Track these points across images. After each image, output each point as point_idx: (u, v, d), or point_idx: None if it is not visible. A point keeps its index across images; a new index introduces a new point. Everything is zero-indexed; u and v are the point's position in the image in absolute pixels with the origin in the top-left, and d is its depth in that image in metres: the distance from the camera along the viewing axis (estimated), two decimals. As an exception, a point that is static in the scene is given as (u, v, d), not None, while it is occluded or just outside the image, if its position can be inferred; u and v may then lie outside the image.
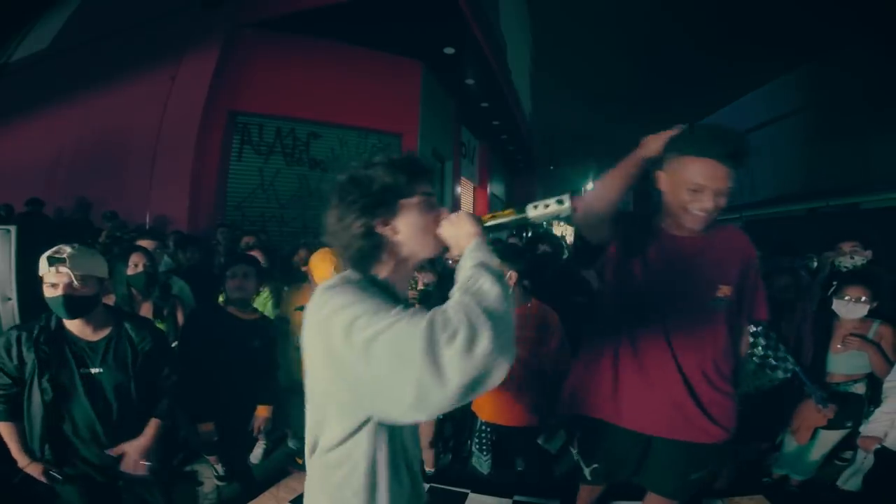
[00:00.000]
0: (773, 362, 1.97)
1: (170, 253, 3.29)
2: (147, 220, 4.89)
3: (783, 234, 3.69)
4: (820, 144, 9.12)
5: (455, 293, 0.70)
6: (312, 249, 2.89)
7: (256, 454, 2.64)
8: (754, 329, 2.01)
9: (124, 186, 5.15)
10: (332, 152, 5.93)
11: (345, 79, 5.77)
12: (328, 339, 0.71)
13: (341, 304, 0.72)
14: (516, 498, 2.42)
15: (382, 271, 0.88)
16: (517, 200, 16.33)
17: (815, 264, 3.24)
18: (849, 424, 2.27)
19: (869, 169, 7.73)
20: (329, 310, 0.72)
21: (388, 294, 0.83)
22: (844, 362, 2.28)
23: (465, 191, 10.05)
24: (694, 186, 1.24)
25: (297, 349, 0.88)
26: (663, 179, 1.33)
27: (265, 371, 2.18)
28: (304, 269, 2.25)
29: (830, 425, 2.27)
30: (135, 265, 2.15)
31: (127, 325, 1.57)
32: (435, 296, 2.58)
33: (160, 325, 2.20)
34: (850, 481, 2.28)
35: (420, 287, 2.74)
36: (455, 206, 8.63)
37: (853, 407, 2.25)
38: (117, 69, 5.34)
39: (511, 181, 16.36)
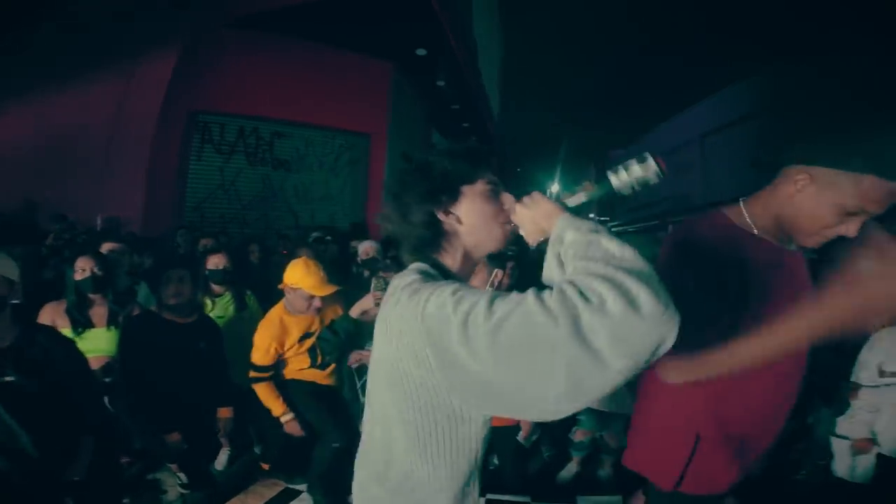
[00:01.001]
0: None
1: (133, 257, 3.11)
2: (98, 223, 4.61)
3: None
4: (770, 149, 9.67)
5: (572, 267, 0.58)
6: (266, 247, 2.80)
7: (221, 460, 2.55)
8: None
9: (74, 187, 4.83)
10: (297, 152, 5.79)
11: (312, 78, 5.65)
12: (434, 339, 0.60)
13: (442, 300, 0.60)
14: (489, 496, 2.41)
15: (447, 262, 0.83)
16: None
17: None
18: (801, 416, 2.40)
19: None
20: (426, 308, 0.61)
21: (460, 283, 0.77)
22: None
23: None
24: (852, 209, 0.90)
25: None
26: (806, 188, 0.94)
27: (217, 372, 2.11)
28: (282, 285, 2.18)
29: None
30: (82, 270, 2.03)
31: (36, 332, 1.46)
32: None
33: (114, 332, 2.07)
34: (858, 474, 2.17)
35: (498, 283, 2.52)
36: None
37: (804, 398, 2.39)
38: (70, 67, 5.02)
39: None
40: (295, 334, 2.18)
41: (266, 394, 2.10)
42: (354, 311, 2.21)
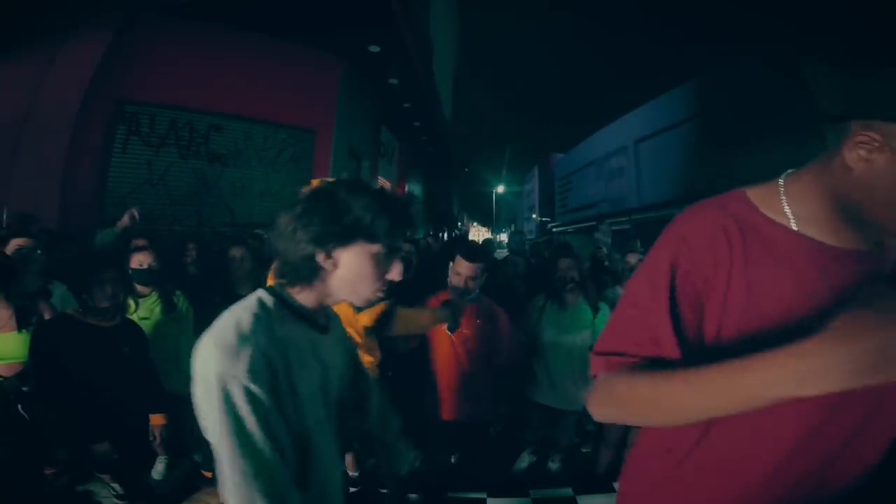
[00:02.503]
0: None
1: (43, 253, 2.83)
2: (3, 218, 4.16)
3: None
4: (696, 155, 10.49)
5: None
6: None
7: (158, 469, 2.43)
8: None
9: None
10: (235, 146, 5.53)
11: (255, 70, 5.42)
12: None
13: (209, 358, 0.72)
14: (450, 495, 2.45)
15: (302, 296, 0.85)
16: (434, 201, 16.58)
17: None
18: None
19: (732, 178, 9.04)
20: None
21: (300, 318, 0.83)
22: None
23: (382, 191, 9.95)
24: None
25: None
26: (874, 154, 0.59)
27: (144, 378, 1.99)
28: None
29: None
30: None
31: None
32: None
33: (26, 335, 1.89)
34: None
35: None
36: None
37: None
38: None
39: (428, 182, 16.56)
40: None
41: None
42: None
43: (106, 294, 1.84)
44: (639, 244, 3.87)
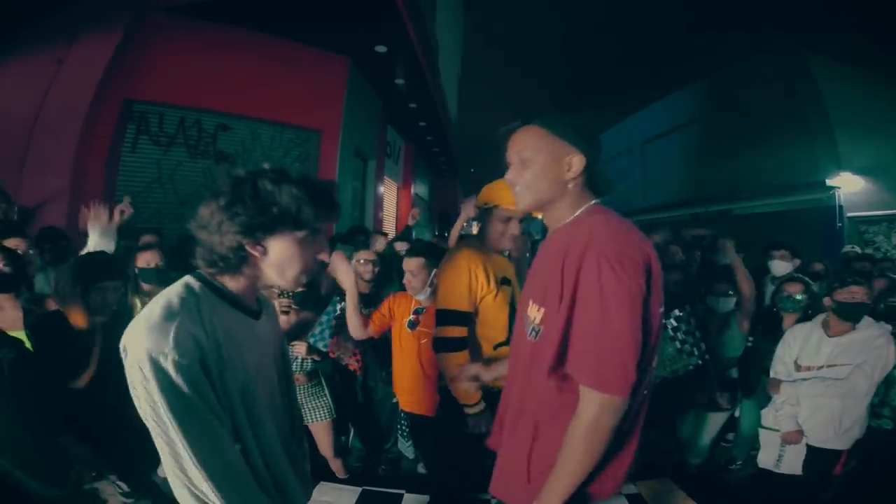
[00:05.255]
0: (689, 348, 2.19)
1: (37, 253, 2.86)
2: (15, 213, 4.21)
3: (673, 236, 4.14)
4: (702, 156, 10.40)
5: None
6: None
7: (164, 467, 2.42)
8: (678, 314, 2.22)
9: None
10: (242, 146, 5.57)
11: (262, 70, 5.44)
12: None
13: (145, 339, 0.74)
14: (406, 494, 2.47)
15: (233, 283, 0.87)
16: (440, 202, 16.58)
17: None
18: (727, 407, 2.60)
19: (738, 179, 8.98)
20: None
21: (232, 304, 0.85)
22: (725, 346, 2.61)
23: (388, 191, 9.97)
24: None
25: None
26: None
27: None
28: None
29: (715, 408, 2.59)
30: None
31: None
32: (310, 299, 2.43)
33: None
34: (784, 466, 2.24)
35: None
36: (378, 207, 8.53)
37: (731, 391, 2.59)
38: None
39: (434, 182, 16.55)
40: (492, 274, 1.77)
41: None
42: None
43: (106, 301, 1.84)
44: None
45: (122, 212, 2.72)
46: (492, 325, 1.79)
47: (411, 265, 2.07)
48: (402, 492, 2.48)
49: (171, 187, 5.10)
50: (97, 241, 2.41)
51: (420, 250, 2.11)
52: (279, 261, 0.85)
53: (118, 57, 4.58)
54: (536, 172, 1.03)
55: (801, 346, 2.12)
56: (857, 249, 4.83)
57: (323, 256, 0.91)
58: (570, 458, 0.90)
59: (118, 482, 2.15)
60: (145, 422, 0.78)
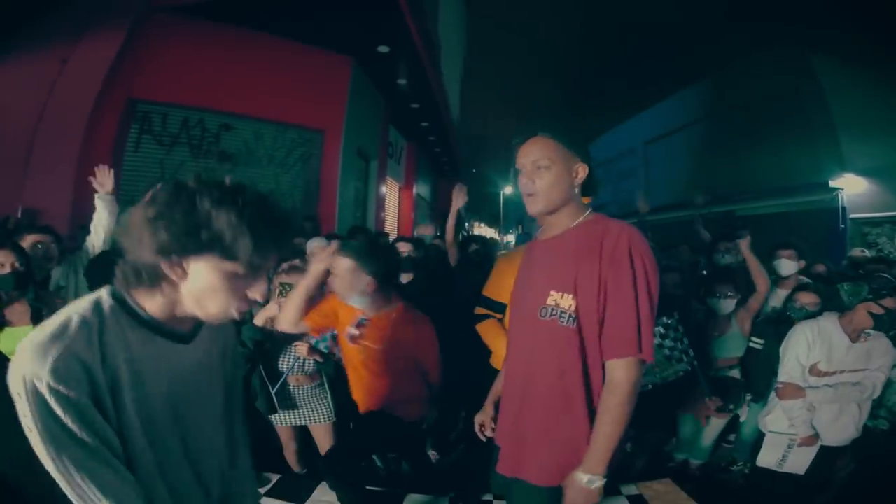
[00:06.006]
0: (679, 354, 2.18)
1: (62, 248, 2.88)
2: (18, 214, 4.23)
3: (676, 236, 4.14)
4: (704, 156, 10.38)
5: None
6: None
7: None
8: (665, 321, 2.19)
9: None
10: (245, 146, 5.58)
11: (265, 70, 5.46)
12: None
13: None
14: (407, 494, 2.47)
15: (150, 303, 0.76)
16: (442, 202, 16.58)
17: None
18: (731, 407, 2.59)
19: (740, 179, 8.96)
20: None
21: (146, 327, 0.75)
22: (723, 347, 2.61)
23: (390, 191, 9.98)
24: None
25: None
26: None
27: None
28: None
29: (718, 410, 2.58)
30: (0, 265, 1.86)
31: None
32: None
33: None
34: (787, 465, 2.22)
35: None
36: (380, 207, 8.54)
37: (733, 392, 2.57)
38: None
39: (436, 182, 16.55)
40: None
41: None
42: (259, 320, 2.14)
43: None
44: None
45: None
46: None
47: (337, 266, 1.75)
48: (403, 492, 2.48)
49: (174, 187, 5.11)
50: (103, 215, 2.50)
51: (353, 249, 1.78)
52: (198, 289, 0.74)
53: (122, 56, 4.61)
54: (551, 180, 1.15)
55: (823, 350, 2.03)
56: (866, 253, 4.80)
57: (256, 295, 0.78)
58: (614, 423, 1.06)
59: None
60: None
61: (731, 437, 2.97)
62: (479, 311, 2.08)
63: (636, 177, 13.38)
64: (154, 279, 0.73)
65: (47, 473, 0.69)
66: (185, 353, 0.81)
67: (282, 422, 2.34)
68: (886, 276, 2.41)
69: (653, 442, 2.80)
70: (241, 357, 1.86)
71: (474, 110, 15.83)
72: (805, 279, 2.83)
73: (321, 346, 2.29)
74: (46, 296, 2.11)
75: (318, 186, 6.09)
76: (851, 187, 7.20)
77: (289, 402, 2.32)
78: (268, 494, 2.39)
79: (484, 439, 1.44)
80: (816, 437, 2.09)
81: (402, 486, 2.52)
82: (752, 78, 8.88)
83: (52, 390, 0.63)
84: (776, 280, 2.78)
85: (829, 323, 2.07)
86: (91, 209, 2.62)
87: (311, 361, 2.33)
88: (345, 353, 2.00)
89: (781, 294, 2.71)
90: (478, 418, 1.47)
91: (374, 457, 2.58)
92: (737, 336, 2.58)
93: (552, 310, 1.14)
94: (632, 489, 2.57)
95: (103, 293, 0.75)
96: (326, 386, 2.42)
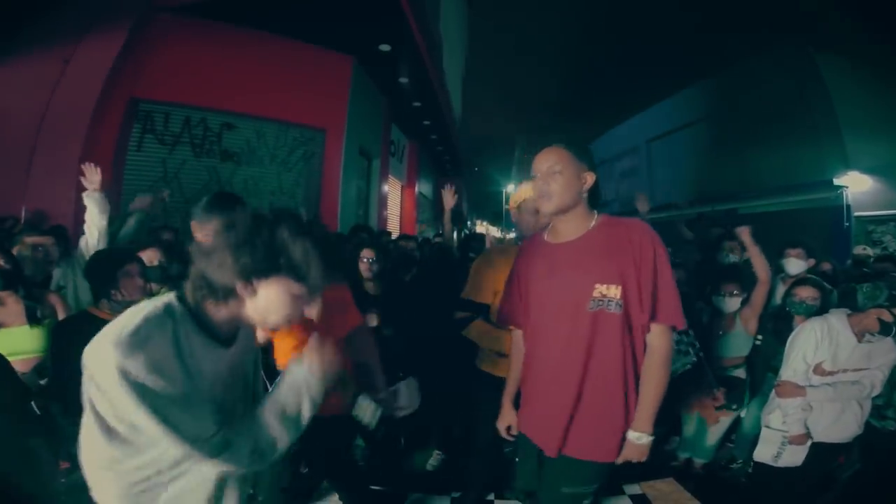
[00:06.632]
0: (685, 347, 2.16)
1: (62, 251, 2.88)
2: (22, 215, 4.25)
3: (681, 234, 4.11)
4: (708, 154, 10.33)
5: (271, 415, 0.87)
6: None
7: None
8: None
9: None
10: (247, 145, 5.58)
11: (266, 69, 5.46)
12: None
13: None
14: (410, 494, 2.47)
15: (215, 314, 0.86)
16: (444, 201, 16.56)
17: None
18: (734, 407, 2.57)
19: (744, 178, 8.92)
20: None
21: (205, 333, 0.85)
22: (727, 345, 2.59)
23: (392, 190, 9.98)
24: None
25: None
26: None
27: None
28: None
29: (721, 408, 2.56)
30: None
31: None
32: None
33: (39, 330, 1.93)
34: (782, 461, 2.18)
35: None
36: (382, 205, 8.54)
37: (737, 391, 2.55)
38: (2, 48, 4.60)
39: (438, 181, 16.55)
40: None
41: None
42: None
43: (136, 286, 1.86)
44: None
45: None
46: None
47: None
48: (406, 492, 2.48)
49: (176, 186, 5.12)
50: (93, 213, 2.46)
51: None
52: (265, 306, 0.84)
53: (124, 56, 4.61)
54: (563, 184, 1.33)
55: (830, 349, 2.00)
56: (868, 250, 4.77)
57: (312, 314, 0.94)
58: (659, 385, 1.31)
59: None
60: (97, 435, 0.79)
61: (733, 437, 2.95)
62: (460, 315, 2.07)
63: (639, 175, 13.34)
64: (226, 295, 0.83)
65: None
66: (226, 356, 0.93)
67: None
68: None
69: (656, 437, 2.79)
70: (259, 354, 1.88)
71: (476, 109, 15.82)
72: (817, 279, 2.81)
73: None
74: (40, 295, 2.11)
75: (320, 185, 6.09)
76: (856, 185, 7.15)
77: None
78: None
79: (512, 439, 1.57)
80: (808, 436, 2.08)
81: (404, 486, 2.52)
82: (757, 76, 8.83)
83: (147, 380, 0.73)
84: (783, 278, 2.76)
85: (837, 321, 2.03)
86: (89, 209, 2.61)
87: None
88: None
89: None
90: (504, 422, 1.59)
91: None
92: (741, 335, 2.56)
93: (599, 300, 1.30)
94: (635, 488, 2.57)
95: (171, 298, 0.84)
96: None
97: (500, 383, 1.68)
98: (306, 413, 0.91)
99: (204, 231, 1.68)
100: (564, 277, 1.36)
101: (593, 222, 1.39)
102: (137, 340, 0.74)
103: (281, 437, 0.88)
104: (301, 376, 0.92)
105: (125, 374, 0.71)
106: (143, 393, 0.73)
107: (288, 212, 0.85)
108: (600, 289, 1.31)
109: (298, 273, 0.82)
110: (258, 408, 0.89)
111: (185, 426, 0.77)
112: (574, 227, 1.39)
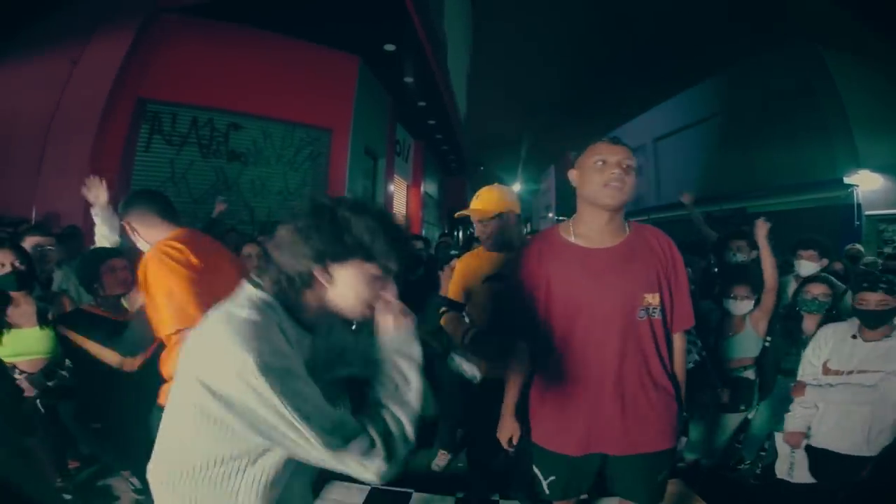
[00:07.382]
0: (687, 346, 2.14)
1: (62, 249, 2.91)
2: (32, 216, 4.29)
3: (688, 234, 4.09)
4: (716, 153, 10.25)
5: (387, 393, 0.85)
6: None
7: None
8: None
9: (3, 179, 4.47)
10: (254, 145, 5.61)
11: (273, 69, 5.49)
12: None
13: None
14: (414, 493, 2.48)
15: (303, 301, 0.87)
16: (449, 200, 16.58)
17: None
18: (742, 408, 2.55)
19: (753, 176, 8.83)
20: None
21: (291, 318, 0.85)
22: (736, 346, 2.56)
23: (398, 189, 9.99)
24: None
25: None
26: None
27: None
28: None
29: (729, 409, 2.53)
30: (0, 265, 1.87)
31: None
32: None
33: (48, 331, 1.95)
34: (796, 474, 2.17)
35: None
36: (387, 205, 8.56)
37: (745, 392, 2.53)
38: (10, 49, 4.65)
39: (444, 180, 16.55)
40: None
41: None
42: None
43: (118, 280, 1.89)
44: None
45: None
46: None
47: None
48: (411, 491, 2.49)
49: (184, 186, 5.16)
50: (103, 229, 2.35)
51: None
52: (344, 291, 0.86)
53: (131, 57, 4.64)
54: (634, 181, 1.37)
55: (832, 348, 1.99)
56: (859, 247, 4.83)
57: (389, 296, 0.90)
58: (680, 378, 1.47)
59: (131, 479, 2.17)
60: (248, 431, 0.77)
61: (742, 438, 2.93)
62: (444, 311, 2.10)
63: (646, 174, 13.27)
64: (307, 284, 0.84)
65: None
66: (312, 344, 0.93)
67: None
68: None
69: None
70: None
71: (481, 108, 15.82)
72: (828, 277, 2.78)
73: None
74: (52, 296, 2.13)
75: (326, 185, 6.12)
76: (866, 184, 7.07)
77: None
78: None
79: (511, 450, 1.56)
80: (804, 436, 2.04)
81: (408, 486, 2.53)
82: (765, 74, 8.74)
83: (283, 368, 0.75)
84: (796, 277, 2.73)
85: (850, 322, 2.01)
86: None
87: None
88: None
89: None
90: (506, 433, 1.56)
91: None
92: (751, 336, 2.54)
93: (645, 308, 1.35)
94: (642, 490, 2.54)
95: (261, 294, 0.84)
96: None
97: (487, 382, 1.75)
98: (414, 378, 0.89)
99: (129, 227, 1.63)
100: (610, 285, 1.34)
101: (628, 228, 1.42)
102: (257, 331, 0.75)
103: (409, 413, 0.86)
104: (392, 345, 0.90)
105: (264, 365, 0.72)
106: (283, 377, 0.73)
107: (343, 196, 0.87)
108: (647, 297, 1.35)
109: (367, 250, 0.83)
110: (371, 395, 0.88)
111: (323, 414, 0.77)
112: (612, 230, 1.38)
